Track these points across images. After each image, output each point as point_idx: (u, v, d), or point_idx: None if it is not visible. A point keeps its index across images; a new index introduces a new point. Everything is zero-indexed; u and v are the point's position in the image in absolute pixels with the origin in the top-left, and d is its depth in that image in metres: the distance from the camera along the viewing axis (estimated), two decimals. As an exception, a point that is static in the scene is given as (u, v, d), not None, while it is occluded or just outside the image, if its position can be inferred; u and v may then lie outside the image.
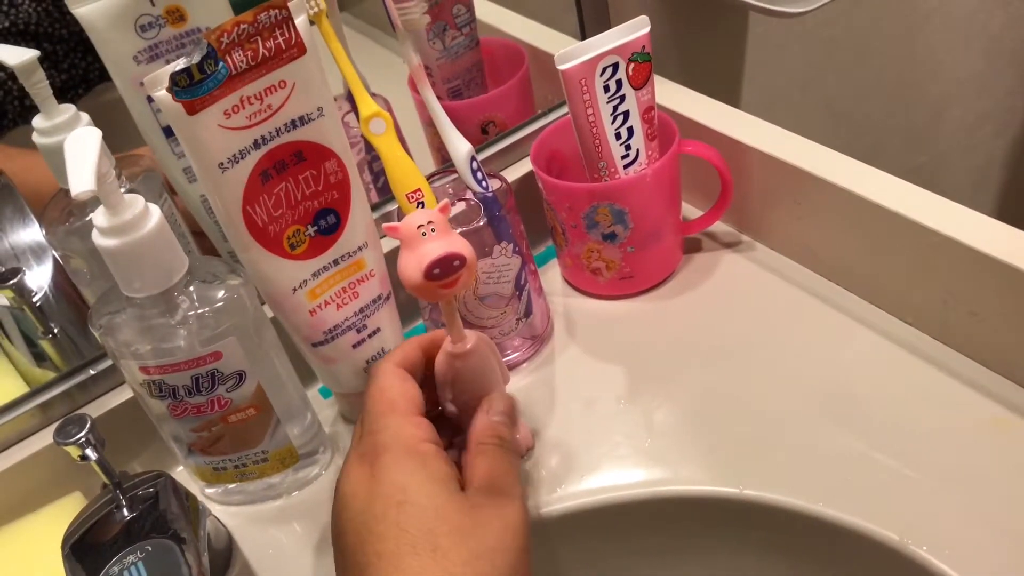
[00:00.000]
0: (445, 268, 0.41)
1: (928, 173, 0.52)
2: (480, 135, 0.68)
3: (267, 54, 0.43)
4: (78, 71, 0.59)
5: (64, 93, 0.55)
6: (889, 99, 1.04)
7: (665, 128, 0.60)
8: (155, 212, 0.44)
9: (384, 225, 0.43)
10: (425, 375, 0.48)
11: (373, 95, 0.61)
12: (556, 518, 0.51)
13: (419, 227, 0.41)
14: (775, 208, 0.61)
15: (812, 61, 0.93)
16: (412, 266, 0.41)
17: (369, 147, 0.63)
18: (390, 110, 0.62)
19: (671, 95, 0.65)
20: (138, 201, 0.43)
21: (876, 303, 0.57)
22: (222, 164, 0.45)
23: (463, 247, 0.42)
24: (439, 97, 0.54)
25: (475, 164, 0.53)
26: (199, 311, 0.46)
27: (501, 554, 0.38)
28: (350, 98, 0.58)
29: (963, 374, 0.52)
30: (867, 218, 0.54)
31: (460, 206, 0.55)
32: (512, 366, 0.60)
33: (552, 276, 0.66)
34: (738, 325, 0.59)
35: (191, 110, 0.42)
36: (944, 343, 0.54)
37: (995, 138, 1.20)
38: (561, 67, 0.54)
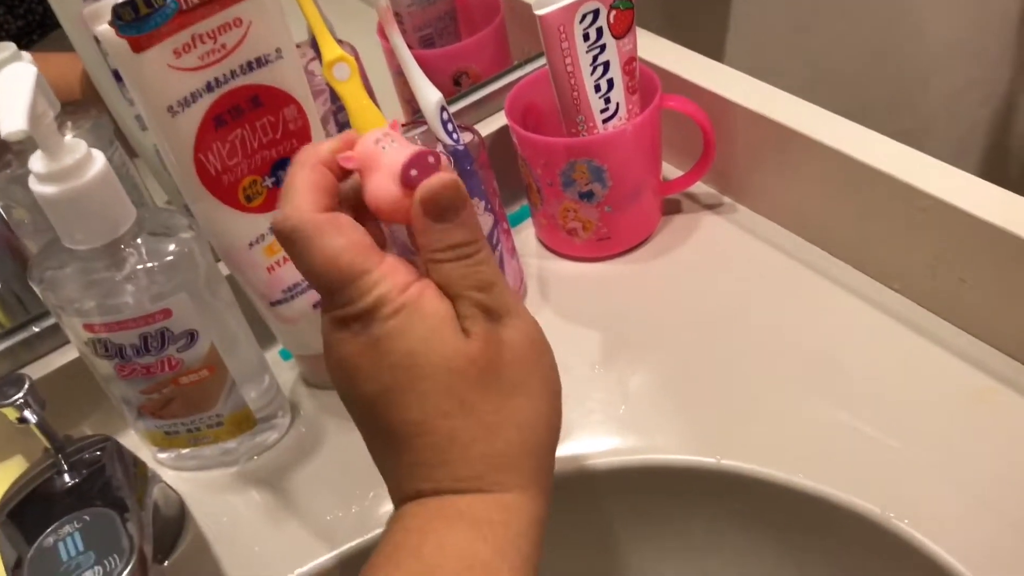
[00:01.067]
0: (422, 168, 0.35)
1: (912, 140, 0.50)
2: (453, 87, 0.65)
3: (221, -12, 0.40)
4: (35, 16, 0.56)
5: (19, 39, 0.52)
6: (875, 62, 1.01)
7: (647, 81, 0.57)
8: (98, 158, 0.41)
9: (338, 157, 0.36)
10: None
11: (340, 42, 0.57)
12: (526, 487, 0.49)
13: (376, 142, 0.36)
14: (759, 168, 0.59)
15: (798, 20, 0.91)
16: (384, 182, 0.35)
17: (335, 97, 0.60)
18: (357, 59, 0.58)
19: (653, 48, 0.62)
20: (79, 146, 0.40)
21: (862, 269, 0.55)
22: (171, 108, 0.42)
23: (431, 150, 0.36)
24: (410, 46, 0.51)
25: (445, 115, 0.50)
26: (148, 265, 0.43)
27: (528, 380, 0.35)
28: (314, 45, 0.55)
29: (950, 343, 0.50)
30: (855, 179, 0.52)
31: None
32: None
33: (526, 237, 0.64)
34: (718, 290, 0.57)
35: (137, 47, 0.39)
36: (931, 311, 0.52)
37: (980, 106, 1.18)
38: (539, 12, 0.51)
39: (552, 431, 0.37)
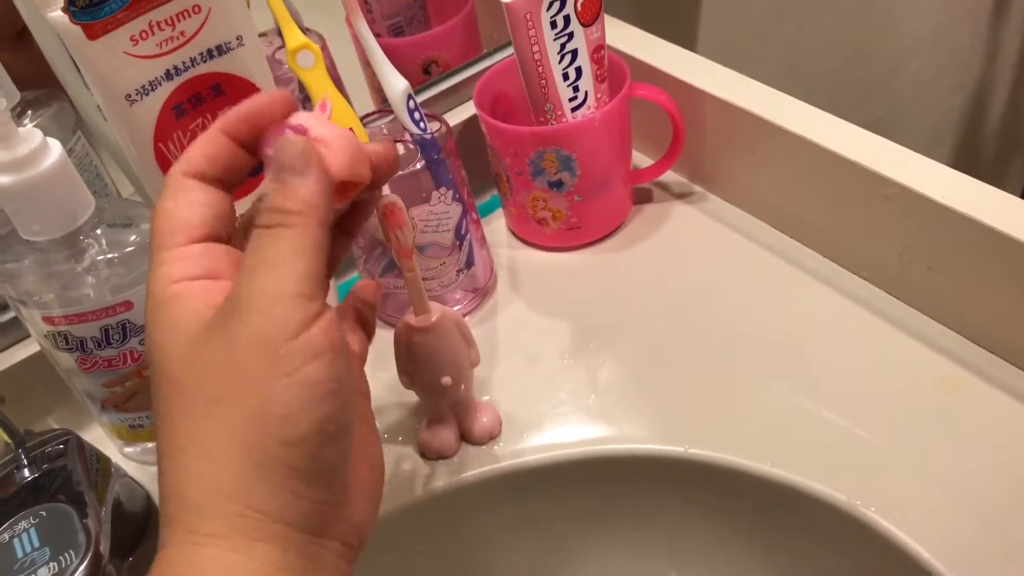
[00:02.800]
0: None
1: (884, 128, 0.50)
2: (422, 75, 0.64)
3: (178, -26, 0.40)
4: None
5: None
6: (848, 50, 1.01)
7: (615, 70, 0.56)
8: (54, 148, 0.40)
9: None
10: (242, 155, 0.33)
11: (306, 31, 0.57)
12: (496, 477, 0.49)
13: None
14: (729, 157, 0.59)
15: (771, 9, 0.91)
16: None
17: (303, 88, 0.60)
18: (325, 47, 0.58)
19: (622, 36, 0.62)
20: (35, 135, 0.39)
21: (831, 257, 0.55)
22: (130, 96, 0.41)
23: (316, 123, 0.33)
24: (378, 35, 0.51)
25: (412, 103, 0.50)
26: (108, 256, 0.43)
27: (234, 395, 0.28)
28: (281, 34, 0.54)
29: (918, 331, 0.50)
30: (824, 167, 0.52)
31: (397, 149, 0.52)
32: (452, 320, 0.57)
33: (497, 227, 0.63)
34: (688, 279, 0.57)
35: (92, 34, 0.38)
36: (899, 299, 0.52)
37: (952, 94, 1.19)
38: (505, 0, 0.50)
39: (268, 471, 0.28)
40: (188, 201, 0.32)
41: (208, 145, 0.32)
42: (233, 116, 0.32)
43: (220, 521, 0.27)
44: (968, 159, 1.27)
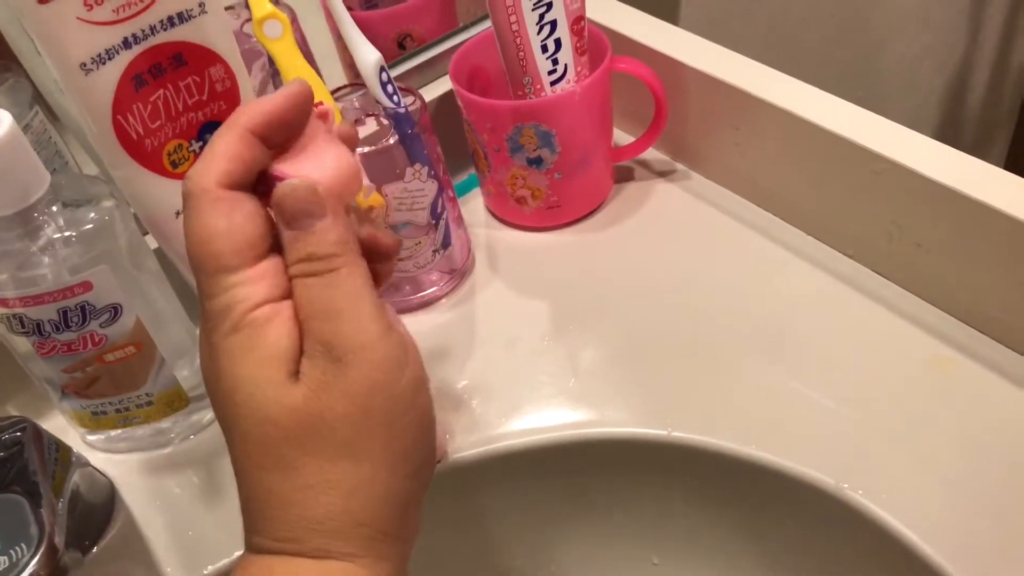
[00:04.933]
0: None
1: (868, 107, 0.49)
2: (397, 50, 0.62)
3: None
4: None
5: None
6: (831, 27, 1.00)
7: (596, 43, 0.55)
8: (4, 119, 0.38)
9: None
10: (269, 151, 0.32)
11: (276, 3, 0.55)
12: (475, 462, 0.47)
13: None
14: (713, 134, 0.57)
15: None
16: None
17: (272, 61, 0.57)
18: (295, 20, 0.56)
19: (603, 8, 0.60)
20: (-17, 106, 0.37)
21: (817, 236, 0.54)
22: (84, 65, 0.39)
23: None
24: (351, 8, 0.49)
25: (385, 76, 0.48)
26: (65, 235, 0.41)
27: (363, 441, 0.30)
28: (248, 5, 0.52)
29: (906, 310, 0.49)
30: (811, 143, 0.50)
31: (369, 124, 0.50)
32: (430, 301, 0.55)
33: (474, 206, 0.62)
34: (671, 259, 0.55)
35: (42, -2, 0.36)
36: (887, 278, 0.51)
37: (935, 74, 1.18)
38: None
39: (393, 503, 0.31)
40: (245, 215, 0.30)
41: (239, 146, 0.31)
42: (259, 116, 0.31)
43: (356, 543, 0.30)
44: (950, 139, 1.26)
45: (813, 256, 0.53)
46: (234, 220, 0.30)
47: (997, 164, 0.45)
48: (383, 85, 0.48)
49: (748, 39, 0.92)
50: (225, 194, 0.30)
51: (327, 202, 0.30)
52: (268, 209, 0.32)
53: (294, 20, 0.55)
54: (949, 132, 1.26)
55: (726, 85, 0.53)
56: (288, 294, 0.31)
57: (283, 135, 0.32)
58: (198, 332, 0.34)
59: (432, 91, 0.61)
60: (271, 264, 0.31)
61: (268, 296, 0.30)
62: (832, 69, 1.04)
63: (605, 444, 0.47)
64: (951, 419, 0.44)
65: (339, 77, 0.62)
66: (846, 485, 0.42)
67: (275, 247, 0.31)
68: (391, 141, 0.48)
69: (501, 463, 0.48)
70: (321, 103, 0.34)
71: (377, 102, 0.48)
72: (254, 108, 0.31)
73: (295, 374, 0.29)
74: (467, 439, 0.47)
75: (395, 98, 0.48)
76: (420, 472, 0.32)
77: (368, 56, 0.47)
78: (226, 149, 0.31)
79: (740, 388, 0.47)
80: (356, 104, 0.51)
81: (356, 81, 0.51)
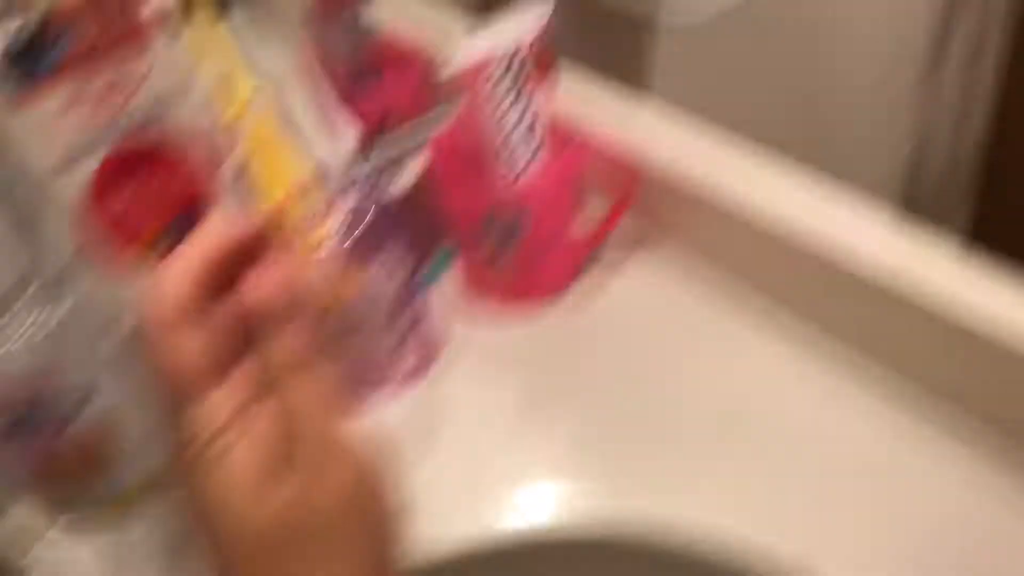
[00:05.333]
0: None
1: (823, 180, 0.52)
2: (373, 131, 0.63)
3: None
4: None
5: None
6: (793, 114, 1.03)
7: (563, 132, 0.56)
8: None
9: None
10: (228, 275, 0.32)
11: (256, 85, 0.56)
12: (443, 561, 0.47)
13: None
14: (680, 217, 0.59)
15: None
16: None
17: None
18: (274, 102, 0.57)
19: (573, 91, 0.62)
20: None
21: (788, 306, 0.55)
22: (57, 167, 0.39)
23: None
24: (329, 87, 0.50)
25: (360, 157, 0.49)
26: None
27: (340, 547, 0.31)
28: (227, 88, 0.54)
29: (879, 383, 0.51)
30: (774, 233, 0.52)
31: (342, 205, 0.51)
32: (392, 392, 0.55)
33: (447, 284, 0.62)
34: (640, 342, 0.56)
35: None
36: (859, 349, 0.52)
37: (891, 153, 1.21)
38: (450, 70, 0.50)
39: None
40: (199, 351, 0.30)
41: (202, 269, 0.31)
42: (210, 250, 0.31)
43: None
44: (909, 215, 1.29)
45: (782, 329, 0.54)
46: (183, 349, 0.30)
47: (957, 237, 0.46)
48: (357, 167, 0.49)
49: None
50: (179, 321, 0.30)
51: (305, 303, 0.31)
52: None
53: (273, 100, 0.56)
54: (908, 209, 1.29)
55: (691, 179, 0.55)
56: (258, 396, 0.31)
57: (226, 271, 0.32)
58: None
59: (407, 172, 0.62)
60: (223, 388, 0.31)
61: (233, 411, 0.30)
62: (789, 151, 1.06)
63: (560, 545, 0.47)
64: (920, 499, 0.45)
65: (312, 153, 0.63)
66: (808, 567, 0.42)
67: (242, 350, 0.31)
68: (361, 225, 0.49)
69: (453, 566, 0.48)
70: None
71: (350, 180, 0.49)
72: (223, 228, 0.32)
73: (267, 486, 0.30)
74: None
75: (368, 179, 0.49)
76: (401, 554, 0.33)
77: (343, 137, 0.48)
78: (190, 267, 0.31)
79: (706, 471, 0.47)
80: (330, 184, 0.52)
81: (329, 161, 0.52)
